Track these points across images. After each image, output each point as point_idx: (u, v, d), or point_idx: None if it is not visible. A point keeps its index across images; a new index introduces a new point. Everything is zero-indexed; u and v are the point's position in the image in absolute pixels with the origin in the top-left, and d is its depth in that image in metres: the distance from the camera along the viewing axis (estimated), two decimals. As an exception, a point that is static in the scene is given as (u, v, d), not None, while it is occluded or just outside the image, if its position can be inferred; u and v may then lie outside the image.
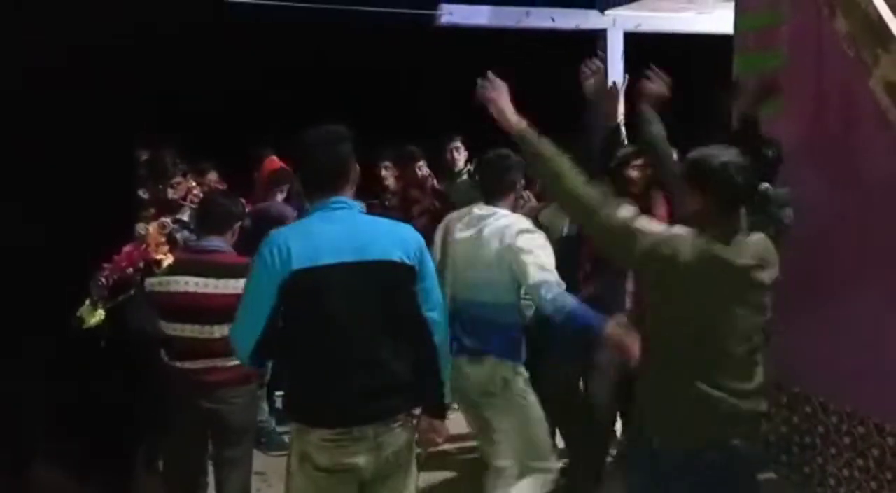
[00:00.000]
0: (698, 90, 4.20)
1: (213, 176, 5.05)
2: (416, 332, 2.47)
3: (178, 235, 3.63)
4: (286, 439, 4.60)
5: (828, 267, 3.75)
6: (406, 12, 6.72)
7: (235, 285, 3.13)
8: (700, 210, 2.39)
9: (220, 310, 3.12)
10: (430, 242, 2.89)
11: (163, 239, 3.26)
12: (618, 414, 3.73)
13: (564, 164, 2.45)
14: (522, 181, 3.31)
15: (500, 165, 3.21)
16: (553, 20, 6.82)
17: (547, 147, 2.46)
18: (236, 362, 3.18)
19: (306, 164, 2.49)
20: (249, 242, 3.60)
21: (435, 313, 2.51)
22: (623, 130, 3.70)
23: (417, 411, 2.56)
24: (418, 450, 2.58)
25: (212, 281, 3.11)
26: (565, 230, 3.44)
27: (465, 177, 5.20)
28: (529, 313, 3.26)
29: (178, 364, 3.17)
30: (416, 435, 2.56)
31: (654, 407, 2.48)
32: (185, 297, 3.11)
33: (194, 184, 4.08)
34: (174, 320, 3.14)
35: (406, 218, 4.35)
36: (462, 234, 3.20)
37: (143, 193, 4.27)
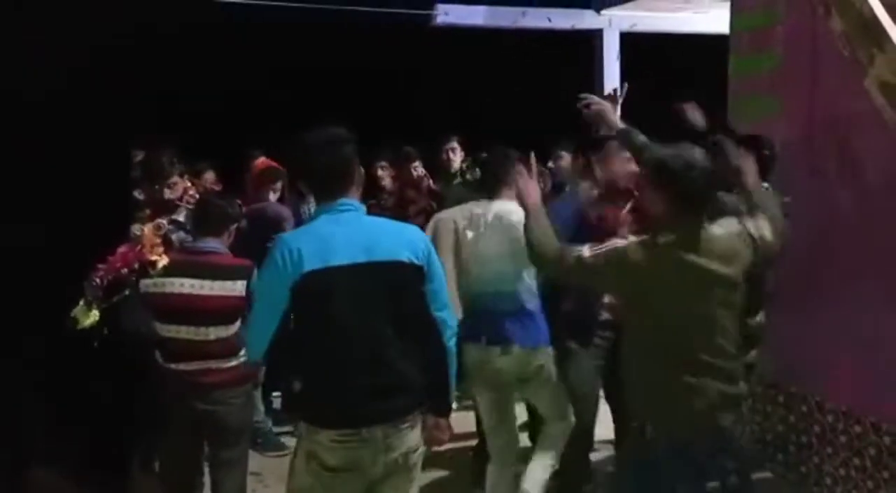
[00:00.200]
0: (694, 90, 4.20)
1: (210, 176, 5.04)
2: (425, 332, 2.48)
3: (174, 236, 3.62)
4: (282, 440, 4.62)
5: (824, 266, 3.75)
6: (402, 12, 6.73)
7: (231, 287, 3.13)
8: (664, 211, 2.44)
9: (216, 312, 3.12)
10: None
11: (158, 241, 3.25)
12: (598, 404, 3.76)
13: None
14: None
15: (501, 160, 3.34)
16: (549, 20, 6.84)
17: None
18: (232, 364, 3.19)
19: (310, 166, 2.49)
20: (246, 243, 3.61)
21: (443, 313, 2.52)
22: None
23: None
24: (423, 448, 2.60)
25: (207, 283, 3.10)
26: None
27: (458, 179, 5.20)
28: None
29: (173, 366, 3.16)
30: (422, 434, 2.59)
31: (644, 397, 2.53)
32: (181, 298, 3.10)
33: (190, 184, 4.07)
34: (169, 321, 3.13)
35: (402, 218, 4.34)
36: (471, 232, 3.32)
37: (138, 194, 4.26)
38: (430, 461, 3.31)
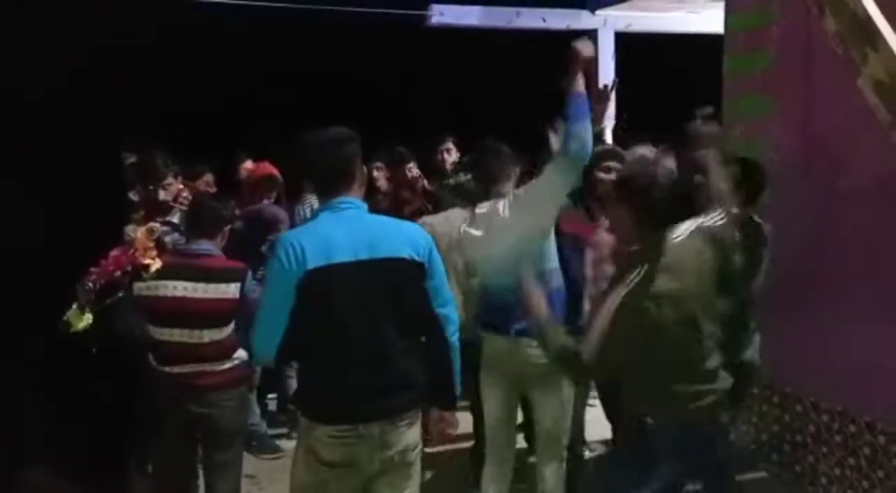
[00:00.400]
0: (689, 90, 4.21)
1: (208, 178, 5.02)
2: (428, 328, 2.50)
3: (168, 238, 3.61)
4: (277, 442, 4.62)
5: (818, 267, 3.75)
6: (396, 13, 6.71)
7: (225, 290, 3.12)
8: (631, 226, 2.44)
9: (209, 314, 3.11)
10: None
11: (150, 244, 3.24)
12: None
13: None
14: (517, 170, 3.32)
15: (496, 156, 3.26)
16: (544, 20, 6.82)
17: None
18: (226, 366, 3.18)
19: (311, 165, 2.50)
20: (243, 245, 3.61)
21: (445, 310, 2.53)
22: (607, 133, 3.69)
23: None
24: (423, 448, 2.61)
25: (201, 285, 3.09)
26: None
27: (446, 181, 5.18)
28: None
29: (167, 369, 3.15)
30: (429, 428, 2.62)
31: (644, 390, 2.53)
32: (174, 301, 3.09)
33: (183, 186, 4.06)
34: (163, 324, 3.12)
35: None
36: (478, 231, 3.21)
37: (133, 195, 4.25)
38: (430, 462, 3.31)
